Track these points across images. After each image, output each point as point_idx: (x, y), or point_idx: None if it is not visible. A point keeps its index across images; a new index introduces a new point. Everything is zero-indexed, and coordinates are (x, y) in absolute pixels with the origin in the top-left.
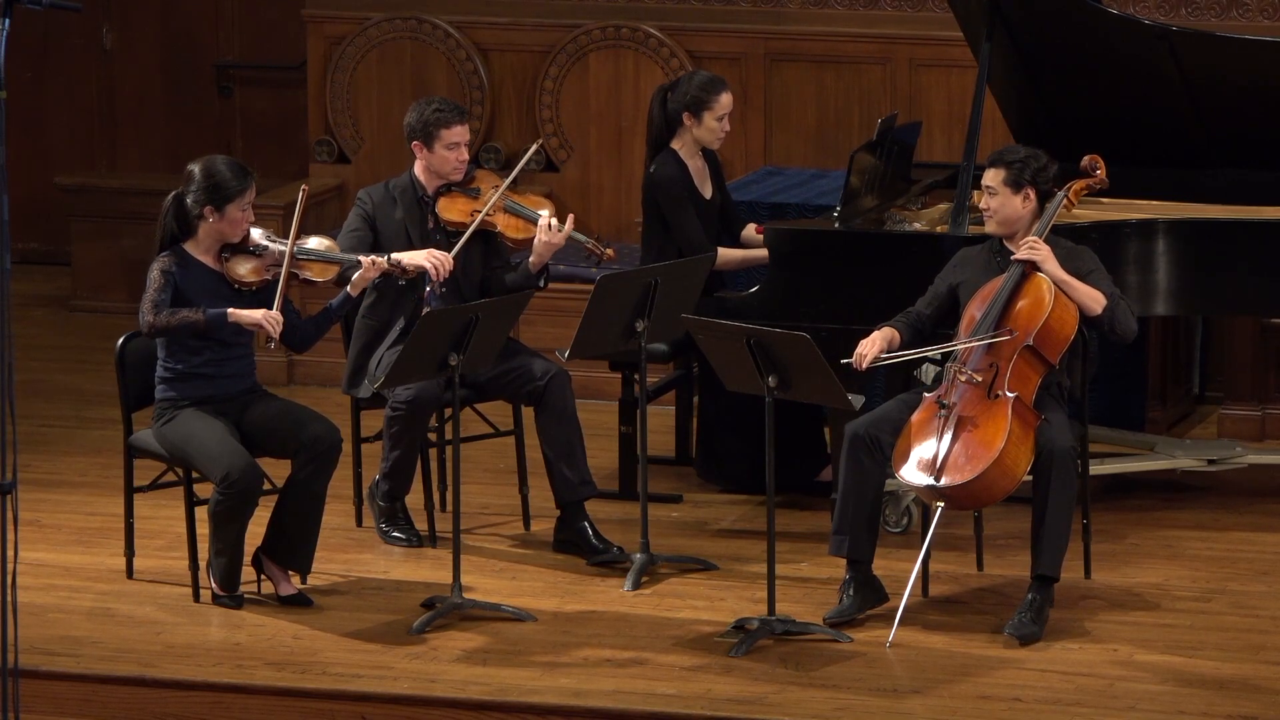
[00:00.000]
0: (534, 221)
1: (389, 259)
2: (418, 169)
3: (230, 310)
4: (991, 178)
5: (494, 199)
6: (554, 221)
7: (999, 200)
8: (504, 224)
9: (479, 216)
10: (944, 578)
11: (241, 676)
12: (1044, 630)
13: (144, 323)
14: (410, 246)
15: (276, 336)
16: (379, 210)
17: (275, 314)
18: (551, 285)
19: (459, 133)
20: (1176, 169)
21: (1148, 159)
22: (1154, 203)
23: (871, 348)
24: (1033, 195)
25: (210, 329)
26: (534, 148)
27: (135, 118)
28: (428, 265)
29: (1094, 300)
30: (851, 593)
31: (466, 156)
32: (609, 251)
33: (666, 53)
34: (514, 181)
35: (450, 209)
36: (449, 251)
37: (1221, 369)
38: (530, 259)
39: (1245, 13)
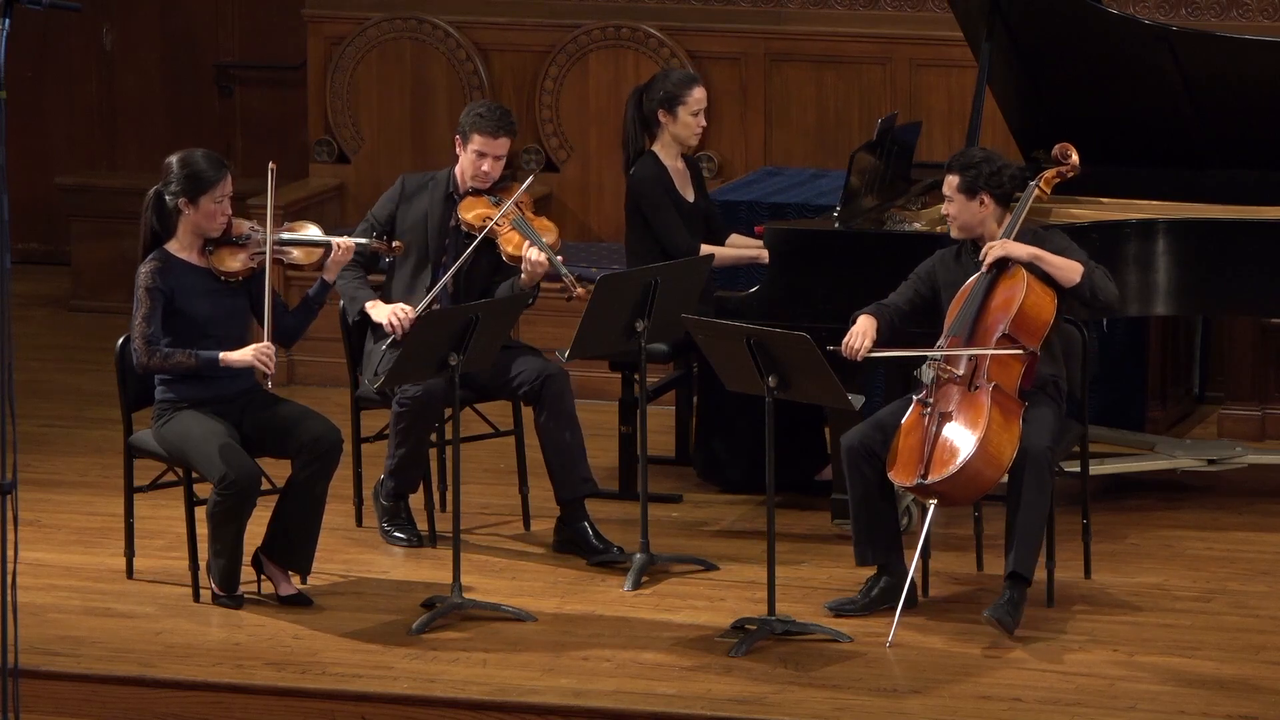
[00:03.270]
0: (531, 243)
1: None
2: (457, 166)
3: (221, 355)
4: (947, 184)
5: (504, 210)
6: (537, 252)
7: (956, 206)
8: (506, 238)
9: (488, 226)
10: (944, 578)
11: (241, 676)
12: (1018, 622)
13: (137, 361)
14: (424, 239)
15: (271, 370)
16: (408, 196)
17: (265, 346)
18: (552, 285)
19: (487, 144)
20: (1176, 169)
21: (1148, 159)
22: (1154, 203)
23: (864, 340)
24: (988, 200)
25: (201, 371)
26: (529, 179)
27: (135, 118)
28: (385, 323)
29: (1071, 270)
30: (871, 592)
31: (489, 170)
32: (579, 290)
33: (666, 53)
34: (525, 200)
35: (469, 210)
36: (459, 256)
37: (1221, 369)
38: (521, 277)
39: (1245, 13)
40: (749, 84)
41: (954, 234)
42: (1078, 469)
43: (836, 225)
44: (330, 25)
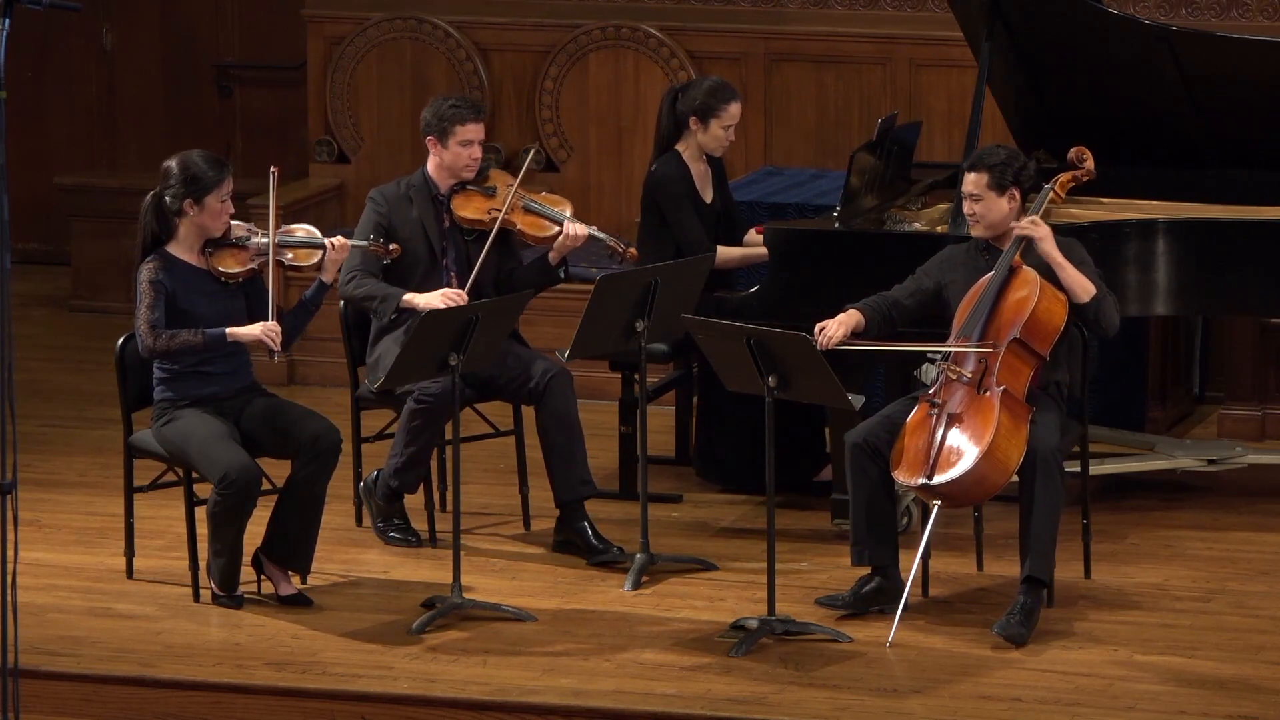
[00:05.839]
0: (555, 220)
1: (401, 299)
2: (431, 167)
3: (228, 330)
4: (974, 183)
5: (510, 197)
6: (579, 226)
7: (985, 205)
8: (524, 223)
9: (499, 216)
10: (944, 578)
11: (241, 676)
12: (1032, 632)
13: (143, 346)
14: (427, 245)
15: (278, 348)
16: (394, 210)
17: (272, 325)
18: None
19: (473, 130)
20: (1176, 169)
21: (1148, 159)
22: (1154, 203)
23: (837, 330)
24: (1017, 195)
25: (209, 349)
26: (532, 151)
27: (135, 118)
28: (443, 306)
29: (1083, 288)
30: (862, 590)
31: (479, 155)
32: (631, 250)
33: (666, 53)
34: (524, 180)
35: (466, 207)
36: (463, 254)
37: (1221, 369)
38: (550, 254)
39: (1245, 13)
40: (749, 84)
41: (978, 234)
42: (1078, 469)
43: (836, 225)
44: (330, 25)
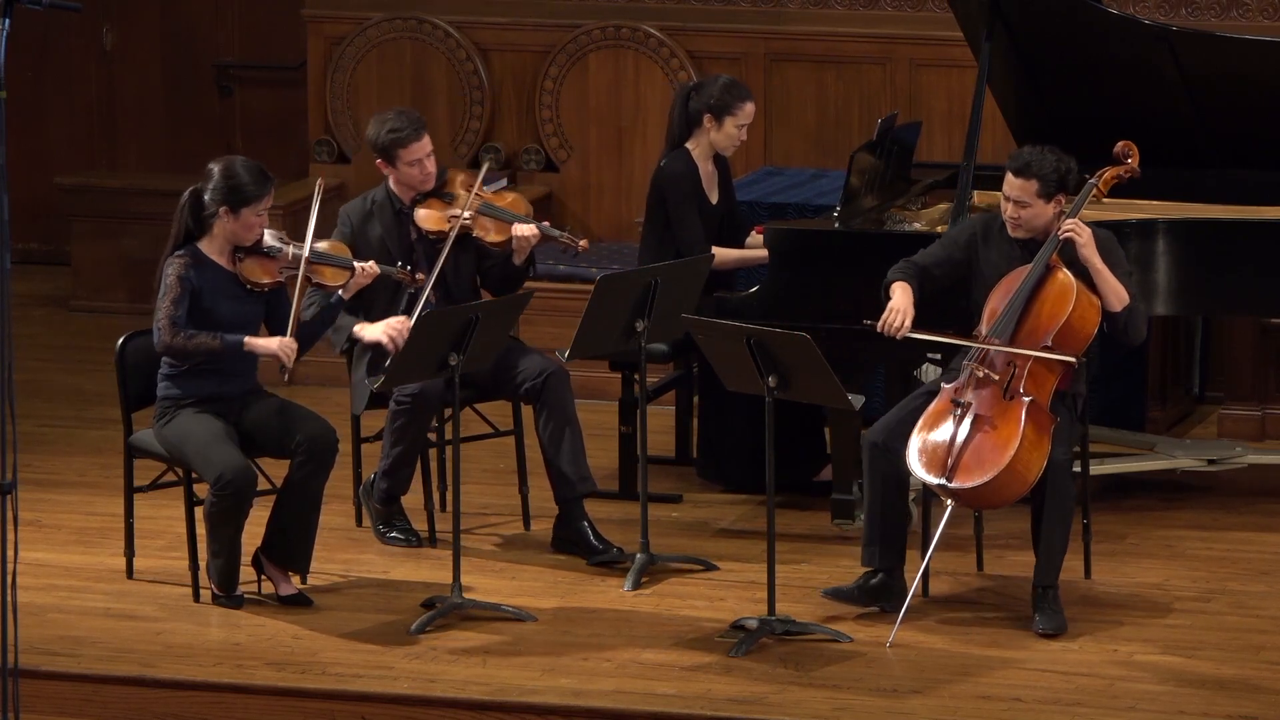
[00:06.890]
0: (510, 222)
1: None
2: (391, 182)
3: (246, 340)
4: (1021, 189)
5: (469, 203)
6: (526, 227)
7: (1032, 211)
8: (481, 228)
9: (456, 224)
10: (944, 578)
11: (241, 676)
12: (1063, 617)
13: (159, 340)
14: (390, 261)
15: (291, 366)
16: (359, 231)
17: (290, 342)
18: (551, 285)
19: (418, 149)
20: (1176, 169)
21: (1148, 159)
22: (1154, 203)
23: (904, 319)
24: (1063, 200)
25: (225, 355)
26: (484, 169)
27: (135, 118)
28: (384, 339)
29: (1118, 297)
30: (869, 585)
31: (432, 168)
32: (583, 243)
33: (666, 53)
34: (483, 185)
35: (429, 219)
36: (433, 265)
37: (1221, 369)
38: (514, 258)
39: (1245, 13)
40: (749, 84)
41: (1018, 237)
42: (1078, 469)
43: (836, 225)
44: (330, 25)
